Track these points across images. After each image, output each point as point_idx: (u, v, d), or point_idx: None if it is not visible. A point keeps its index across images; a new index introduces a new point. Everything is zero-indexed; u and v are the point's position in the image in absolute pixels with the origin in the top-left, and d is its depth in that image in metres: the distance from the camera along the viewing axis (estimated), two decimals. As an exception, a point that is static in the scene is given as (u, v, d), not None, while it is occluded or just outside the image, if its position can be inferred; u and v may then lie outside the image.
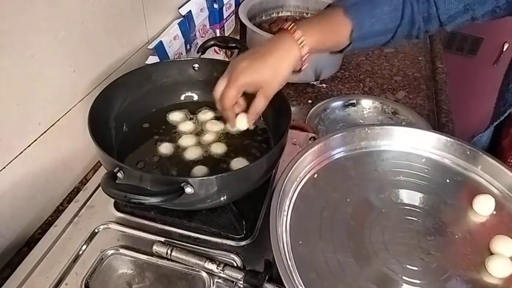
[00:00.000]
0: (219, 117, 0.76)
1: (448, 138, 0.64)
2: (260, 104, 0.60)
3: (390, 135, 0.65)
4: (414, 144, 0.65)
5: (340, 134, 0.64)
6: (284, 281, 0.45)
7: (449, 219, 0.57)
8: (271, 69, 0.58)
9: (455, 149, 0.64)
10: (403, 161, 0.64)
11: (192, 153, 0.69)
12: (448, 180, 0.62)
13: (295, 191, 0.59)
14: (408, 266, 0.51)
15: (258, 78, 0.58)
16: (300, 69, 0.62)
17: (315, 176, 0.61)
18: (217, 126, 0.75)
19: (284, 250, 0.50)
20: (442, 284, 0.49)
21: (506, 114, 0.71)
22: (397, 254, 0.52)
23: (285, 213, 0.55)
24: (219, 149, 0.70)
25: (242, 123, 0.64)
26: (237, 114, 0.63)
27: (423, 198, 0.59)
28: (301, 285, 0.47)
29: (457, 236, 0.55)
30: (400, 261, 0.51)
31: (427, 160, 0.64)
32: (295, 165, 0.59)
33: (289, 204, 0.57)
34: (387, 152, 0.65)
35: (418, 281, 0.49)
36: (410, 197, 0.59)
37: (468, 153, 0.63)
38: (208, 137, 0.73)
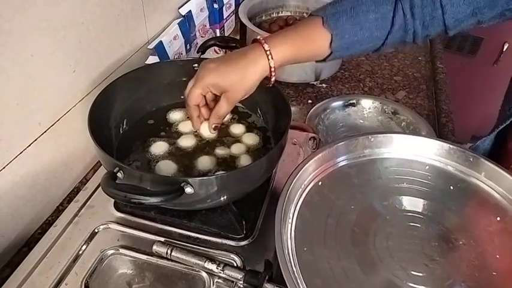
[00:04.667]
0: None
1: (451, 145, 0.64)
2: (222, 108, 0.61)
3: (393, 142, 0.65)
4: (417, 152, 0.65)
5: (343, 142, 0.64)
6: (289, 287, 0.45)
7: (453, 225, 0.56)
8: (238, 74, 0.59)
9: (458, 156, 0.63)
10: (407, 168, 0.64)
11: (194, 154, 0.70)
12: (451, 187, 0.61)
13: (299, 198, 0.58)
14: (413, 272, 0.50)
15: (224, 80, 0.59)
16: (270, 79, 0.62)
17: (319, 183, 0.61)
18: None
19: (289, 257, 0.50)
20: None
21: None
22: (402, 260, 0.52)
23: (290, 220, 0.55)
24: (220, 149, 0.70)
25: (205, 130, 0.66)
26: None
27: (427, 205, 0.59)
28: None
29: (461, 242, 0.54)
30: (404, 268, 0.51)
31: (430, 167, 0.64)
32: (300, 173, 0.59)
33: (294, 212, 0.56)
34: (390, 159, 0.65)
35: (422, 287, 0.49)
36: (414, 204, 0.59)
37: (471, 159, 0.62)
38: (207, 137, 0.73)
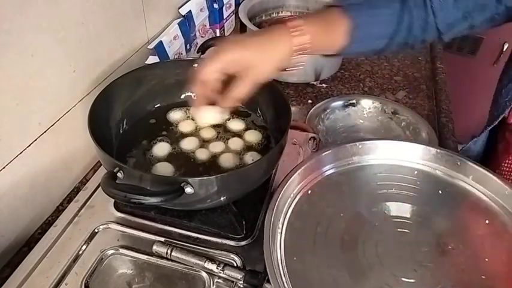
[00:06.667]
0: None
1: (438, 150, 0.64)
2: (243, 88, 0.53)
3: (381, 149, 0.66)
4: (405, 157, 0.65)
5: (331, 150, 0.64)
6: None
7: (442, 230, 0.57)
8: (263, 50, 0.53)
9: (445, 160, 0.64)
10: (395, 174, 0.64)
11: (195, 154, 0.69)
12: (440, 192, 0.62)
13: (289, 207, 0.59)
14: (403, 279, 0.51)
15: (247, 56, 0.53)
16: (291, 68, 0.58)
17: (309, 192, 0.61)
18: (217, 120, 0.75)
19: (279, 267, 0.51)
20: None
21: (500, 118, 0.70)
22: (391, 266, 0.52)
23: (279, 230, 0.56)
24: (219, 148, 0.70)
25: (208, 115, 0.56)
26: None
27: (416, 210, 0.59)
28: None
29: (450, 247, 0.55)
30: (394, 274, 0.51)
31: (418, 172, 0.64)
32: (289, 182, 0.59)
33: (284, 221, 0.57)
34: (379, 165, 0.65)
35: None
36: (403, 210, 0.59)
37: (458, 163, 0.63)
38: (207, 135, 0.73)
